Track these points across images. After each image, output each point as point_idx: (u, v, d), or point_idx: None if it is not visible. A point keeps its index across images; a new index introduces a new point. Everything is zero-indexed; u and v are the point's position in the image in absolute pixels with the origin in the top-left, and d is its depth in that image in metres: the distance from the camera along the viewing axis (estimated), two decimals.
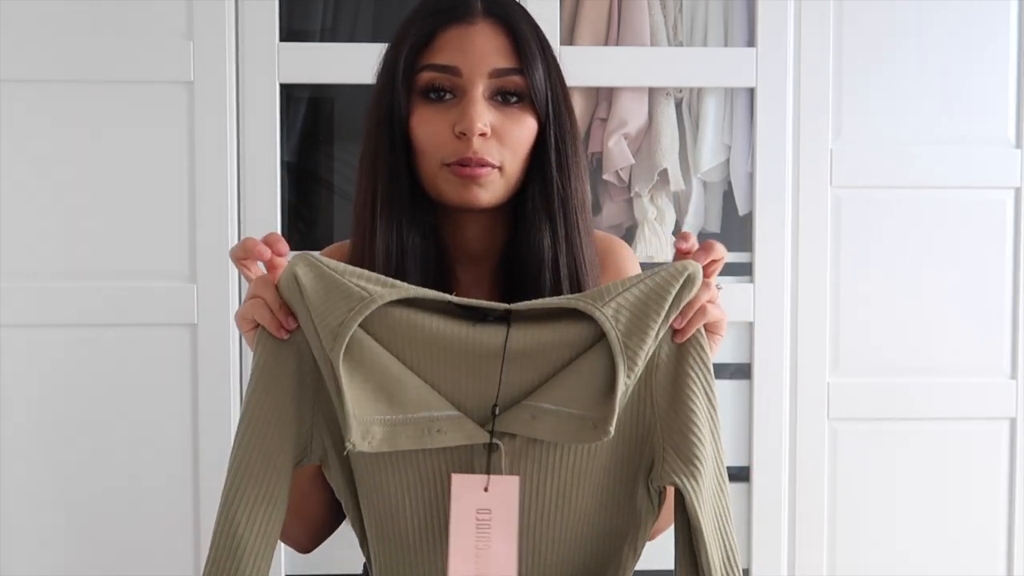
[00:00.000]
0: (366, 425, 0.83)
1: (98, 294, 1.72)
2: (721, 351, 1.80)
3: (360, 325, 0.84)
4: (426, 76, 0.95)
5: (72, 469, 1.73)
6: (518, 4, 1.00)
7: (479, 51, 0.95)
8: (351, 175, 1.90)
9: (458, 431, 0.84)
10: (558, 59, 1.01)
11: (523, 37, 0.96)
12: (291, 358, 0.87)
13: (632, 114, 1.80)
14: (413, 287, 0.86)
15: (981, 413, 1.83)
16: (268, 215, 1.74)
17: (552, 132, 0.98)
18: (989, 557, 1.84)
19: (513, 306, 0.86)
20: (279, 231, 1.74)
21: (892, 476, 1.83)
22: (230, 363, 1.73)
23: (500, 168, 0.96)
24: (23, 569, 1.73)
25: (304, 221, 1.93)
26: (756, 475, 1.80)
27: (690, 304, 0.85)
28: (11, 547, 1.73)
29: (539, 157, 0.98)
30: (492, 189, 0.96)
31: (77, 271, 1.72)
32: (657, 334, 0.84)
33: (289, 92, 1.84)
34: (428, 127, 0.95)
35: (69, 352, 1.72)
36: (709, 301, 0.86)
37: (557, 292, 0.98)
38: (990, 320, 1.83)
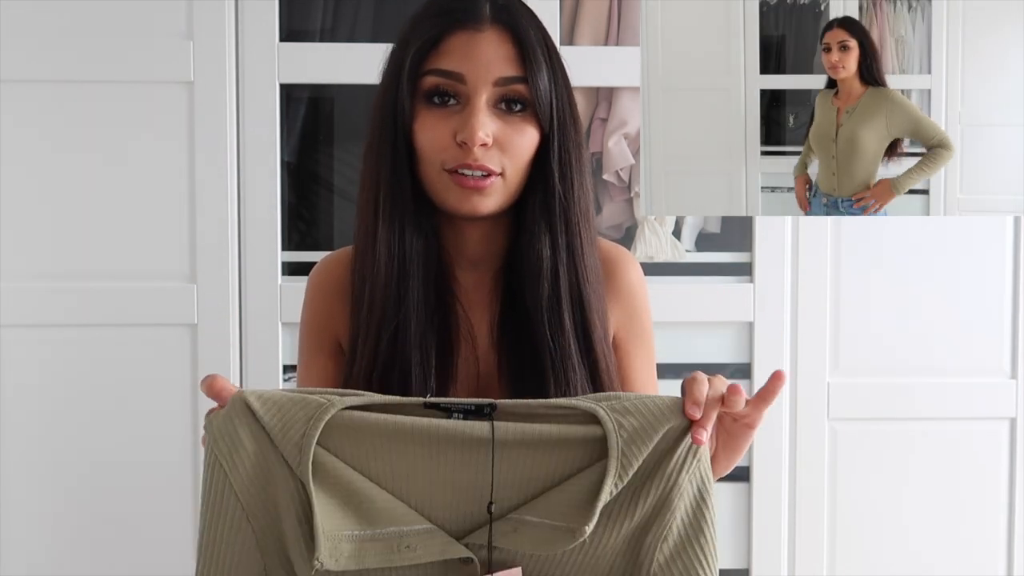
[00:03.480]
0: (335, 541, 0.78)
1: (98, 294, 1.72)
2: (721, 351, 1.81)
3: (321, 443, 0.80)
4: (431, 80, 0.95)
5: (72, 469, 1.73)
6: (526, 8, 0.99)
7: (485, 58, 0.94)
8: (351, 175, 1.90)
9: (430, 547, 0.80)
10: (564, 63, 1.00)
11: (530, 45, 0.95)
12: (231, 506, 0.82)
13: (632, 114, 1.80)
14: (378, 395, 0.82)
15: (981, 413, 1.83)
16: (268, 215, 1.74)
17: (556, 142, 0.97)
18: (989, 557, 1.84)
19: (499, 402, 0.83)
20: (279, 231, 1.74)
21: (892, 476, 1.83)
22: (230, 363, 1.73)
23: (502, 174, 0.95)
24: (23, 568, 1.73)
25: (304, 221, 1.93)
26: (756, 475, 1.80)
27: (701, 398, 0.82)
28: (11, 546, 1.73)
29: (542, 166, 0.97)
30: (494, 197, 0.96)
31: (77, 271, 1.72)
32: (655, 448, 0.81)
33: (289, 92, 1.84)
34: (430, 132, 0.95)
35: (69, 352, 1.72)
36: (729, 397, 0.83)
37: (557, 302, 0.97)
38: (990, 320, 1.83)
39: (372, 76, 1.03)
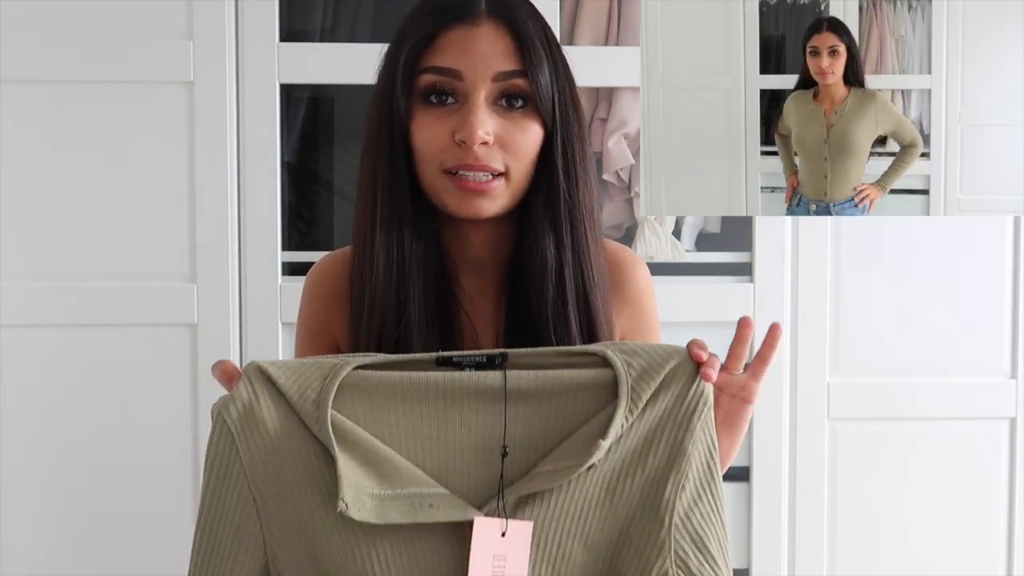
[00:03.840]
0: (357, 492, 0.79)
1: (98, 294, 1.72)
2: (721, 351, 1.80)
3: (337, 407, 0.81)
4: (427, 79, 0.92)
5: (72, 469, 1.73)
6: (524, 1, 0.96)
7: (482, 53, 0.91)
8: (351, 175, 1.90)
9: (450, 507, 0.80)
10: (566, 57, 0.97)
11: (529, 38, 0.92)
12: (237, 479, 0.82)
13: (632, 114, 1.80)
14: (392, 355, 0.83)
15: (981, 413, 1.83)
16: (268, 215, 1.74)
17: (559, 138, 0.94)
18: (989, 557, 1.84)
19: (511, 351, 0.83)
20: (279, 231, 1.74)
21: (892, 476, 1.83)
22: None
23: (505, 175, 0.93)
24: (23, 568, 1.73)
25: (304, 221, 1.93)
26: (756, 475, 1.80)
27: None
28: (11, 546, 1.73)
29: (545, 164, 0.94)
30: (498, 199, 0.93)
31: (77, 271, 1.72)
32: (661, 385, 0.83)
33: (289, 92, 1.84)
34: (428, 132, 0.92)
35: (69, 352, 1.72)
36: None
37: (562, 304, 0.95)
38: (990, 320, 1.83)
39: (372, 76, 1.02)
